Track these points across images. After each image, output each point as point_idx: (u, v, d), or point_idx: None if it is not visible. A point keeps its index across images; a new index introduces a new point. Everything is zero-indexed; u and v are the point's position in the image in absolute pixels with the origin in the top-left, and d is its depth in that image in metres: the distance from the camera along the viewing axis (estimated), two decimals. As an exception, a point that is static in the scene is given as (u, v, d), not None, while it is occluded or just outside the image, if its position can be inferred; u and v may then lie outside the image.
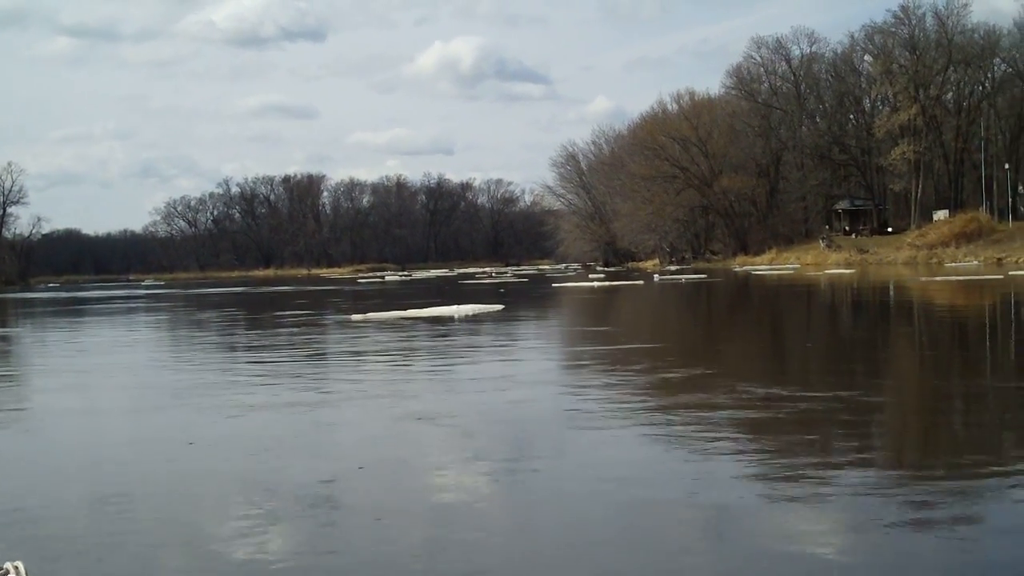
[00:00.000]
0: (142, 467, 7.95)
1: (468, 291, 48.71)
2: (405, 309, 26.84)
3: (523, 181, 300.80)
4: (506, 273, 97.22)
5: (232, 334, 24.16)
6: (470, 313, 25.58)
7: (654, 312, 30.56)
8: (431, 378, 13.39)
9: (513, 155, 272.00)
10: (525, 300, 37.27)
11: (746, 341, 19.15)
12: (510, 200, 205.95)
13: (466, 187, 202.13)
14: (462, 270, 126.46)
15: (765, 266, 73.83)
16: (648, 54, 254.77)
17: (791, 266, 71.44)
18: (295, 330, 23.42)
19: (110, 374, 15.43)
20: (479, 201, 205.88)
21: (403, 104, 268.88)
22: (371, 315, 25.59)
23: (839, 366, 14.20)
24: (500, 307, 28.04)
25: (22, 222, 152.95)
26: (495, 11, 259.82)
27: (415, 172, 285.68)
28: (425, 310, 26.44)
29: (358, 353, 17.46)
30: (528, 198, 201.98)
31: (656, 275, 57.76)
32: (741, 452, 7.79)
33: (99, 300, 53.72)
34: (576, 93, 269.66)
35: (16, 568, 4.58)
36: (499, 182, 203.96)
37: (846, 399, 10.20)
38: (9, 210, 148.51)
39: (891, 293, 33.83)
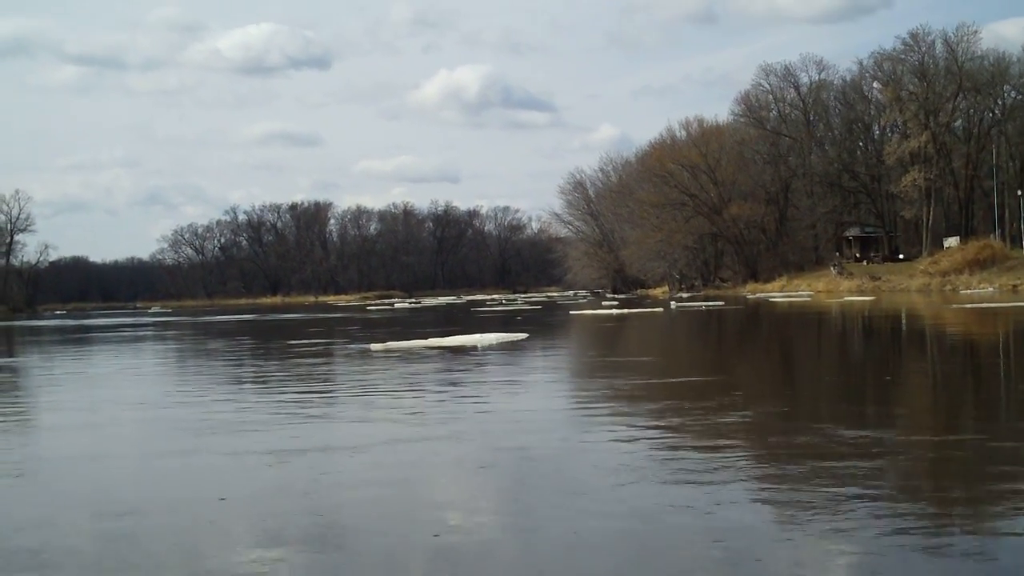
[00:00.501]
0: (173, 535, 6.62)
1: (483, 319, 47.96)
2: (425, 338, 25.88)
3: (529, 209, 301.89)
4: (515, 300, 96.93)
5: (247, 365, 23.04)
6: (493, 342, 24.42)
7: (688, 341, 29.17)
8: (474, 416, 12.24)
9: (519, 183, 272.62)
10: (545, 328, 35.86)
11: (807, 375, 17.73)
12: (517, 227, 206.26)
13: (473, 214, 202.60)
14: (470, 297, 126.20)
15: (778, 293, 73.36)
16: (653, 82, 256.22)
17: (804, 293, 70.95)
18: (313, 361, 22.50)
19: (122, 410, 14.41)
20: (486, 228, 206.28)
21: (409, 132, 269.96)
22: (391, 344, 24.46)
23: (933, 403, 12.82)
24: (524, 335, 26.76)
25: (29, 249, 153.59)
26: (501, 39, 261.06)
27: (421, 199, 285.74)
28: (446, 339, 25.29)
29: (384, 386, 16.12)
30: (535, 225, 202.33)
31: (673, 302, 56.88)
32: (905, 523, 6.30)
33: (107, 328, 53.08)
34: (581, 121, 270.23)
35: None
36: (506, 209, 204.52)
37: (972, 444, 9.13)
38: (16, 237, 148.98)
39: (925, 321, 32.87)
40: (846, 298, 58.14)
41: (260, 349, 28.78)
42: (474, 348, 23.52)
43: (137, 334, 44.79)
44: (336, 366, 21.38)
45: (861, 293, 65.31)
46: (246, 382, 18.73)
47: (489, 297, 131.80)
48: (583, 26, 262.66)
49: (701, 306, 53.98)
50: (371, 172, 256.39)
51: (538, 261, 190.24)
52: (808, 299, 60.26)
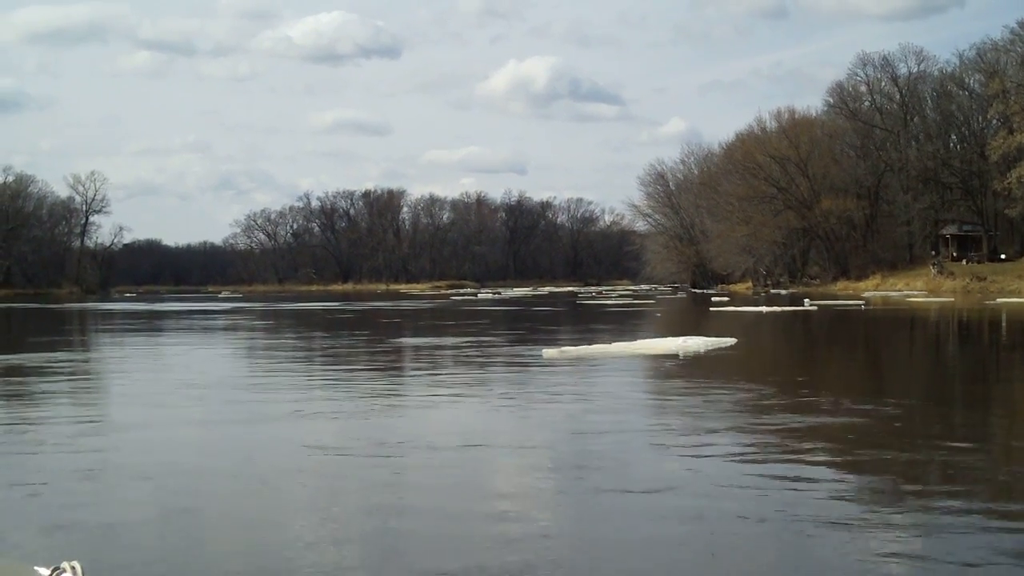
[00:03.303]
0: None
1: (614, 314, 45.16)
2: (606, 342, 21.63)
3: (597, 201, 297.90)
4: (612, 293, 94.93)
5: (420, 380, 17.03)
6: (700, 349, 20.12)
7: (944, 347, 24.73)
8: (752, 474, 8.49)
9: (585, 175, 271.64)
10: (724, 329, 28.62)
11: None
12: (590, 219, 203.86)
13: (546, 206, 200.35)
14: (551, 288, 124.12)
15: (873, 292, 70.05)
16: (722, 76, 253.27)
17: (912, 292, 67.29)
18: (500, 369, 18.24)
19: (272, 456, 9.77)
20: (559, 220, 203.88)
21: (477, 122, 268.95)
22: (567, 350, 20.02)
23: None
24: (731, 340, 21.89)
25: (104, 231, 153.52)
26: (569, 31, 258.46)
27: (489, 190, 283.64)
28: (637, 343, 21.17)
29: (652, 421, 11.83)
30: (608, 218, 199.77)
31: (807, 300, 51.96)
32: None
33: (197, 314, 50.87)
34: (649, 114, 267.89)
35: (73, 568, 4.14)
36: (579, 201, 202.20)
37: None
38: (92, 219, 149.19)
39: None
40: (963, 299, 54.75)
41: (416, 353, 23.06)
42: (675, 356, 19.41)
43: (236, 322, 42.78)
44: (534, 378, 16.51)
45: (968, 295, 61.95)
46: (450, 398, 14.29)
47: (579, 289, 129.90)
48: (652, 18, 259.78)
49: (835, 304, 50.00)
50: (439, 162, 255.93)
51: (610, 254, 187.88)
52: (928, 300, 56.35)
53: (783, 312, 42.75)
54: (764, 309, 43.91)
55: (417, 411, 12.97)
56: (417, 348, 24.54)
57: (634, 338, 22.89)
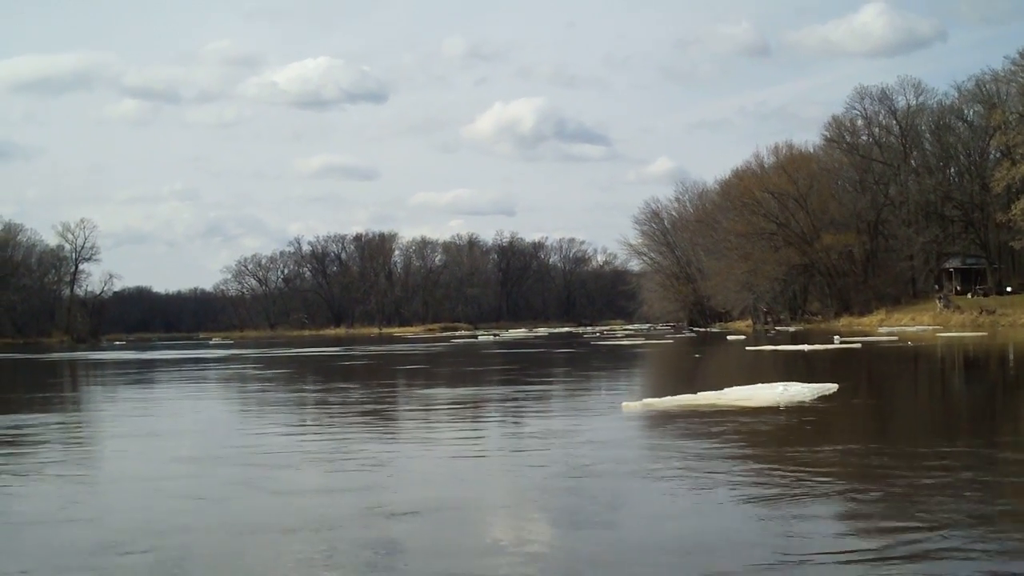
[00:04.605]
0: None
1: (645, 356, 43.07)
2: (674, 392, 18.04)
3: (588, 240, 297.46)
4: (614, 332, 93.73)
5: (500, 446, 13.63)
6: (805, 397, 17.13)
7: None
8: None
9: (574, 215, 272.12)
10: (794, 371, 26.43)
11: None
12: (582, 259, 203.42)
13: (538, 246, 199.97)
14: (549, 330, 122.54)
15: (890, 328, 68.67)
16: (708, 116, 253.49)
17: (924, 327, 65.85)
18: (589, 431, 14.45)
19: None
20: (551, 260, 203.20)
21: (464, 165, 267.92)
22: (650, 402, 16.77)
23: None
24: (833, 387, 18.68)
25: (94, 279, 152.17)
26: (554, 73, 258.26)
27: (478, 232, 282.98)
28: (726, 393, 17.36)
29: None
30: (600, 257, 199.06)
31: (836, 337, 49.61)
32: None
33: (194, 363, 48.32)
34: (636, 153, 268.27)
35: None
36: (571, 241, 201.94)
37: None
38: (81, 267, 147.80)
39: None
40: (978, 335, 53.23)
41: (474, 408, 19.35)
42: (776, 408, 16.20)
43: (237, 370, 40.86)
44: (632, 439, 13.77)
45: (977, 328, 60.64)
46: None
47: (574, 329, 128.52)
48: (636, 59, 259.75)
49: (876, 341, 47.50)
50: (428, 205, 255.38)
51: (604, 294, 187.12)
52: (944, 336, 54.49)
53: (828, 351, 39.79)
54: (806, 347, 41.12)
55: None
56: (464, 401, 20.59)
57: (706, 385, 18.86)
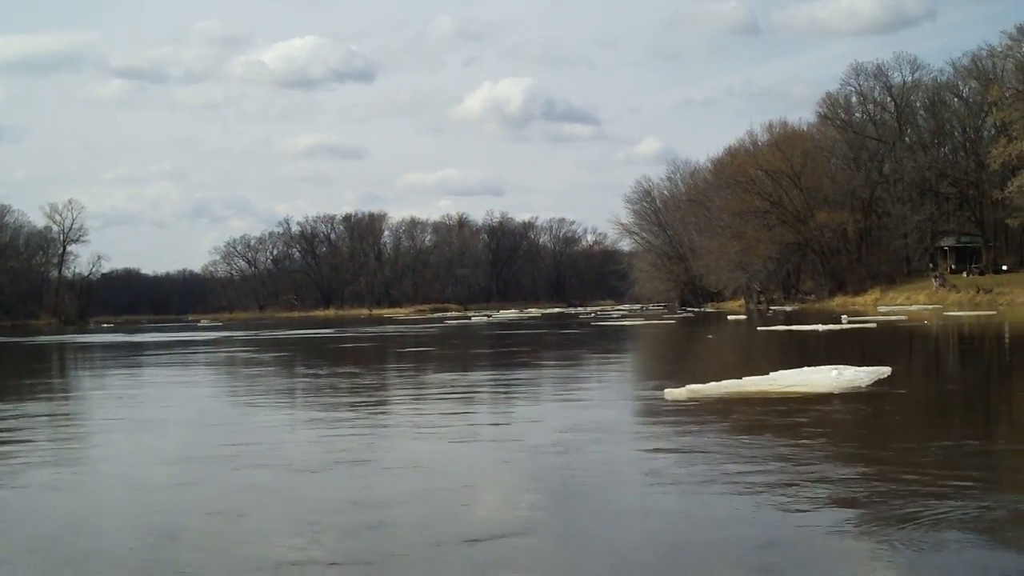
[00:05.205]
0: None
1: (659, 337, 41.78)
2: (718, 378, 15.80)
3: (577, 220, 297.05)
4: (610, 312, 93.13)
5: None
6: (862, 383, 15.66)
7: None
8: None
9: (562, 195, 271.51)
10: (818, 353, 25.00)
11: None
12: (572, 240, 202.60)
13: (528, 226, 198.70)
14: (542, 311, 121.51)
15: (886, 306, 67.96)
16: (695, 95, 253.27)
17: (918, 306, 65.17)
18: (635, 419, 13.67)
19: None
20: (541, 241, 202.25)
21: (452, 145, 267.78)
22: (694, 388, 15.00)
23: None
24: (887, 370, 17.21)
25: (82, 260, 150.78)
26: (542, 53, 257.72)
27: (467, 212, 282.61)
28: (772, 377, 15.90)
29: None
30: (590, 237, 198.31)
31: (844, 317, 48.22)
32: None
33: (185, 344, 47.28)
34: (625, 133, 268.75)
35: None
36: (561, 221, 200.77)
37: None
38: (69, 248, 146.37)
39: None
40: (964, 312, 52.45)
41: (506, 392, 18.41)
42: (830, 396, 14.68)
43: (237, 353, 39.78)
44: (697, 436, 11.40)
45: (976, 307, 60.03)
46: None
47: (566, 310, 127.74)
48: (624, 39, 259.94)
49: (893, 320, 46.51)
50: (416, 185, 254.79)
51: (593, 274, 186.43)
52: (990, 313, 53.28)
53: (844, 330, 37.99)
54: (820, 327, 38.88)
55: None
56: (489, 387, 19.32)
57: (743, 369, 17.57)
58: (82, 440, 13.15)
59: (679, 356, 31.10)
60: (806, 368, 16.85)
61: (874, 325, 41.90)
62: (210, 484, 9.29)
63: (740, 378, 15.91)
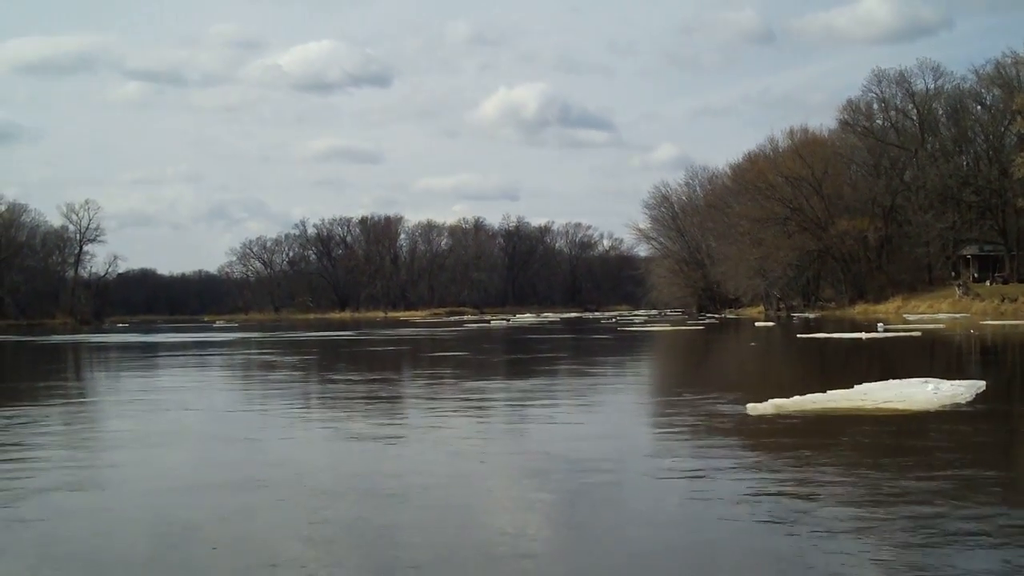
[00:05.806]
0: None
1: (697, 346, 40.34)
2: (816, 390, 14.51)
3: (593, 226, 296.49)
4: (632, 318, 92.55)
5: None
6: (962, 399, 14.51)
7: None
8: None
9: (578, 201, 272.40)
10: (905, 364, 23.55)
11: None
12: (588, 244, 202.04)
13: (544, 231, 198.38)
14: (562, 315, 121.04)
15: (913, 315, 67.26)
16: (711, 103, 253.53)
17: (944, 315, 64.35)
18: (734, 447, 11.16)
19: None
20: (557, 245, 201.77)
21: (468, 149, 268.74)
22: (779, 403, 13.66)
23: None
24: (981, 384, 15.98)
25: (98, 260, 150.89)
26: (558, 58, 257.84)
27: (482, 216, 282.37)
28: (859, 391, 14.62)
29: None
30: (606, 242, 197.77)
31: (880, 325, 46.03)
32: None
33: (203, 346, 46.79)
34: (640, 140, 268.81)
35: None
36: (577, 226, 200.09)
37: None
38: (85, 248, 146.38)
39: None
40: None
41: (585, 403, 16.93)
42: (925, 413, 13.48)
43: (287, 363, 38.88)
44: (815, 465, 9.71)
45: (1001, 316, 59.35)
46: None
47: (582, 314, 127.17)
48: (641, 45, 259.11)
49: (936, 329, 45.45)
50: (432, 189, 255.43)
51: (609, 279, 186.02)
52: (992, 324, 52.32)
53: (892, 339, 36.85)
54: (863, 335, 38.03)
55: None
56: (546, 398, 17.60)
57: (819, 382, 16.20)
58: (101, 454, 12.25)
59: (734, 365, 29.11)
60: (893, 381, 15.63)
61: (919, 333, 40.97)
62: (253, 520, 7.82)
63: (823, 391, 14.70)
